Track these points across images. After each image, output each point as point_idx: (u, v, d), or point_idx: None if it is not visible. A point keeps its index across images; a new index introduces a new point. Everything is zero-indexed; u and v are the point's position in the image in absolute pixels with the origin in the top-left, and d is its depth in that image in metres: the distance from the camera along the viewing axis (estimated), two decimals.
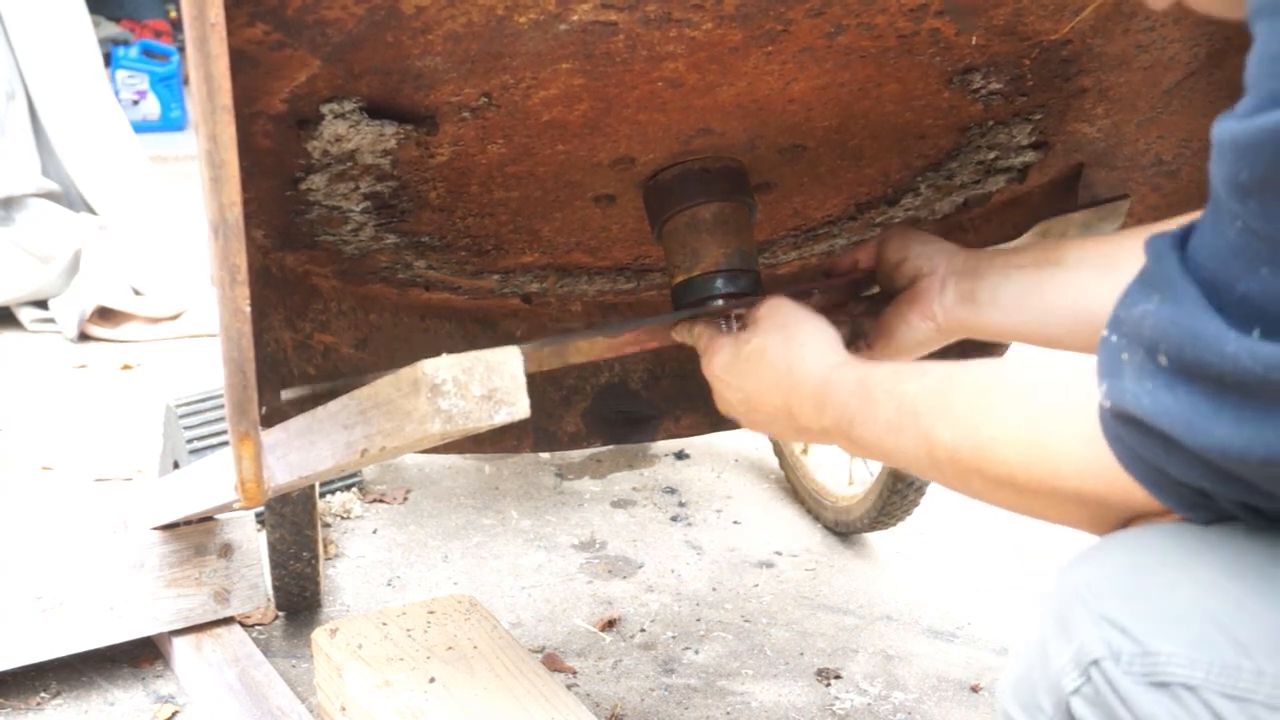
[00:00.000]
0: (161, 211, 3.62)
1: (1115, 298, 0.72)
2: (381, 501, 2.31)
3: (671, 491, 2.42)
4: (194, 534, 1.72)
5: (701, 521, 2.30)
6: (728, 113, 1.12)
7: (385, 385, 0.93)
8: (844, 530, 2.20)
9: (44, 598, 1.63)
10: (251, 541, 1.76)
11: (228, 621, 1.75)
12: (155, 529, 1.70)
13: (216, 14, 0.79)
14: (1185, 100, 1.28)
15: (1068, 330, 1.12)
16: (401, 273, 1.39)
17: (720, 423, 1.52)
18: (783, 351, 1.08)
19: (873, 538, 2.24)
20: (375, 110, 1.03)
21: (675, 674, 1.79)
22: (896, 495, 1.96)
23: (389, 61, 0.95)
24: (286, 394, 1.21)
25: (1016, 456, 0.81)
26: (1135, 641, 0.70)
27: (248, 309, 0.91)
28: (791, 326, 1.09)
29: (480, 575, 2.06)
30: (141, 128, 4.82)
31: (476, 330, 1.51)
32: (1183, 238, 0.69)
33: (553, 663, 1.78)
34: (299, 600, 1.85)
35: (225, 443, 1.84)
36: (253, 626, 1.85)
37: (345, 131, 1.04)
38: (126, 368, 3.07)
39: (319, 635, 1.46)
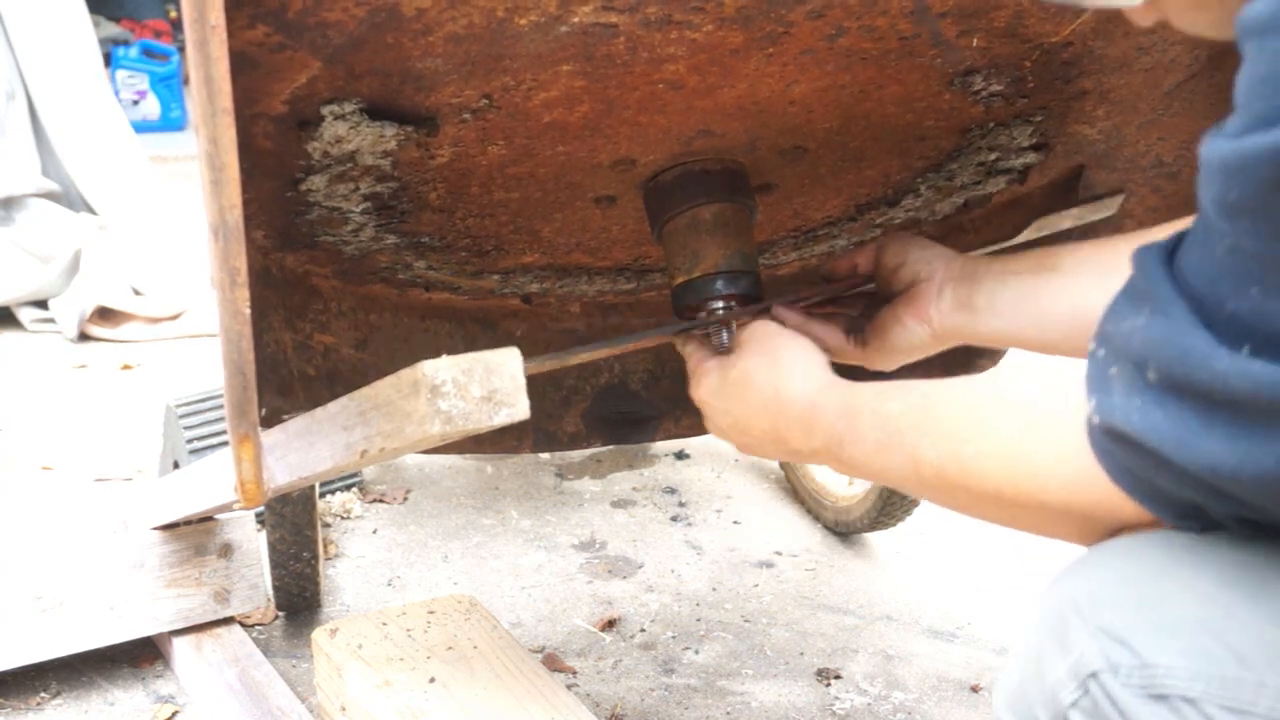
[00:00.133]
0: (161, 211, 3.61)
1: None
2: (381, 501, 2.31)
3: (671, 491, 2.42)
4: (194, 534, 1.72)
5: (701, 521, 2.30)
6: (728, 114, 1.12)
7: (385, 386, 0.93)
8: (844, 530, 2.21)
9: (44, 598, 1.63)
10: (251, 541, 1.76)
11: (228, 621, 1.75)
12: (155, 529, 1.70)
13: (217, 16, 0.79)
14: (1186, 102, 1.28)
15: (1064, 336, 1.12)
16: (401, 273, 1.39)
17: None
18: (768, 375, 1.08)
19: (873, 538, 2.24)
20: (376, 112, 1.03)
21: (675, 674, 1.79)
22: (896, 495, 1.97)
23: (389, 63, 0.95)
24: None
25: (1001, 471, 0.81)
26: (1134, 653, 0.69)
27: (248, 311, 0.91)
28: (777, 350, 1.09)
29: (480, 575, 2.06)
30: (141, 128, 4.82)
31: (476, 330, 1.51)
32: (1170, 250, 0.69)
33: (553, 663, 1.78)
34: (299, 600, 1.85)
35: (225, 443, 1.84)
36: (253, 626, 1.85)
37: (345, 133, 1.04)
38: (126, 368, 3.07)
39: (319, 635, 1.46)
